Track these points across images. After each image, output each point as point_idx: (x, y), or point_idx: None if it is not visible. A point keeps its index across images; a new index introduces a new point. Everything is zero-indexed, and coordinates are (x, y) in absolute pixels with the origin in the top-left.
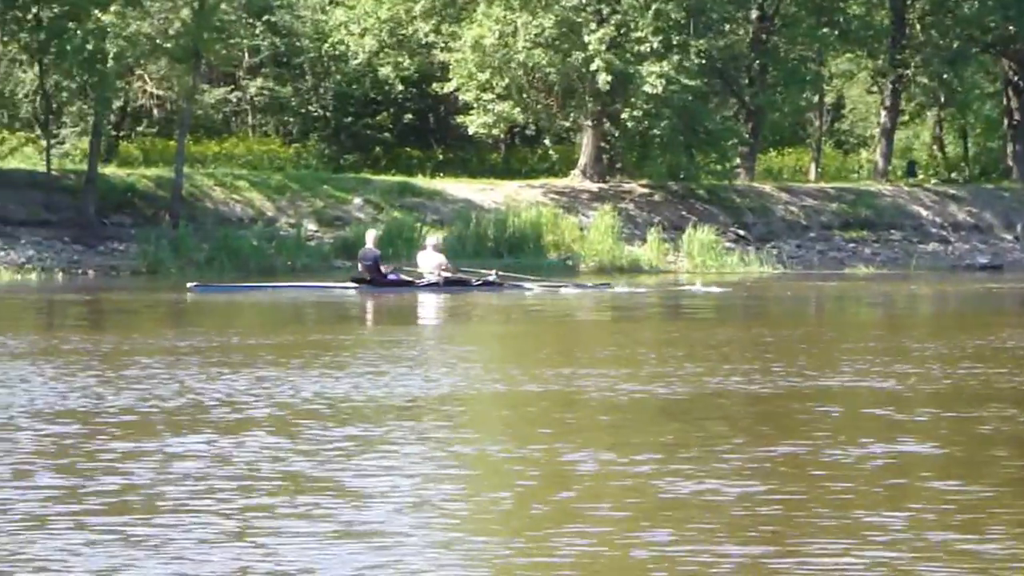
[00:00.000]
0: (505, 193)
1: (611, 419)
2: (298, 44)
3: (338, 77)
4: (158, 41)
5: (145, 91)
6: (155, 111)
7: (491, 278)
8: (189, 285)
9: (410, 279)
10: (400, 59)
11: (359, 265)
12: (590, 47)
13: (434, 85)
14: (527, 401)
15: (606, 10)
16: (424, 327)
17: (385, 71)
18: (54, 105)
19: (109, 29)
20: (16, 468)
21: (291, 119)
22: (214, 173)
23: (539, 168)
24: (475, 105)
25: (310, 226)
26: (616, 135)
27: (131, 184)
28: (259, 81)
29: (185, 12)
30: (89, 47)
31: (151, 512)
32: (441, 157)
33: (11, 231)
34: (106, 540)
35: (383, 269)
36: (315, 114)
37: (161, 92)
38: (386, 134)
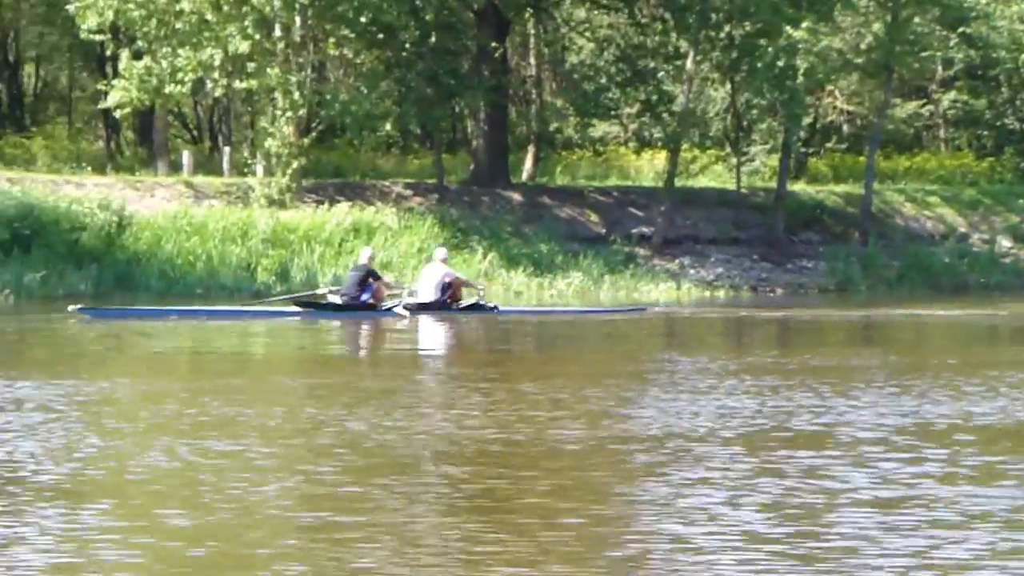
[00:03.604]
0: None
1: None
2: (994, 55)
3: None
4: (849, 56)
5: (835, 107)
6: (845, 127)
7: (479, 300)
8: (71, 308)
9: (388, 306)
10: None
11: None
12: None
13: None
14: None
15: None
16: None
17: None
18: (744, 123)
19: (800, 46)
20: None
21: (985, 132)
22: (904, 189)
23: None
24: None
25: (1004, 242)
26: None
27: (819, 201)
28: (952, 94)
29: (877, 26)
30: (779, 64)
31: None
32: None
33: (701, 249)
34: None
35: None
36: (1010, 127)
37: (851, 107)
38: None
